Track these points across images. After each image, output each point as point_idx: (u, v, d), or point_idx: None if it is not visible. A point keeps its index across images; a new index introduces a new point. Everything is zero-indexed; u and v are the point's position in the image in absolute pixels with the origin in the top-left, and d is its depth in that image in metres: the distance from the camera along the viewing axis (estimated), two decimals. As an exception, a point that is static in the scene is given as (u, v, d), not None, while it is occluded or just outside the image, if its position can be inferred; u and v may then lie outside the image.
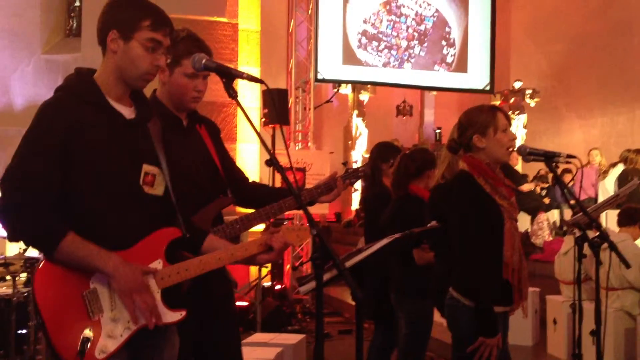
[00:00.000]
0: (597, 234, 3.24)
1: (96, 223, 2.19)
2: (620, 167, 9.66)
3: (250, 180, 3.23)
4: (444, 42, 13.02)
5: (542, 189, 11.67)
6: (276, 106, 9.38)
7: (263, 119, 9.77)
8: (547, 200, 10.69)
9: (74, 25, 11.30)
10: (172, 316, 2.25)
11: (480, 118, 3.15)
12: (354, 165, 15.12)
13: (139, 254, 2.22)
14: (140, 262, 2.20)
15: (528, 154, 3.23)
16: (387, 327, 4.77)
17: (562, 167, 3.52)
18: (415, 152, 4.66)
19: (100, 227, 2.19)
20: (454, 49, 13.06)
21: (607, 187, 9.66)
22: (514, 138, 3.20)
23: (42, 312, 2.07)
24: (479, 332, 2.95)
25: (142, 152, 2.32)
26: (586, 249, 3.33)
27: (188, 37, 2.83)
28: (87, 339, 2.07)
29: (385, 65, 12.57)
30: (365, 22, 12.41)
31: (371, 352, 4.80)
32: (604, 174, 9.97)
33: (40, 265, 2.12)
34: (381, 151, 4.98)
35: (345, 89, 16.12)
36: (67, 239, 2.10)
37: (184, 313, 2.27)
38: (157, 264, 2.25)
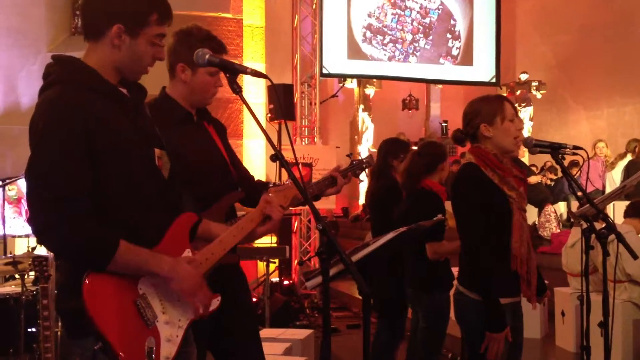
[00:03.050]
0: (604, 225, 3.23)
1: (126, 217, 2.06)
2: (628, 158, 9.64)
3: (256, 179, 3.25)
4: (449, 35, 12.98)
5: (551, 180, 11.64)
6: (281, 102, 9.37)
7: (268, 115, 9.78)
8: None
9: (79, 23, 11.34)
10: (213, 304, 2.22)
11: (487, 107, 3.14)
12: (359, 158, 15.11)
13: (170, 247, 2.13)
14: (174, 256, 2.12)
15: (534, 145, 3.22)
16: (393, 321, 4.77)
17: (569, 159, 3.50)
18: (424, 147, 4.63)
19: (129, 221, 2.06)
20: (459, 41, 13.02)
21: (615, 179, 9.63)
22: (521, 127, 3.18)
23: (102, 329, 1.91)
24: (486, 326, 2.95)
25: (150, 134, 2.23)
26: (593, 241, 3.32)
27: (208, 37, 2.86)
28: (151, 349, 1.99)
29: (390, 59, 12.54)
30: (369, 15, 12.37)
31: (376, 346, 4.81)
32: (610, 165, 9.94)
33: (86, 280, 1.93)
34: (390, 147, 4.98)
35: (351, 84, 16.11)
36: (120, 248, 1.96)
37: (219, 297, 2.23)
38: (187, 254, 2.18)
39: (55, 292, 2.21)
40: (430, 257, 4.23)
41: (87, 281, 1.93)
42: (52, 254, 5.41)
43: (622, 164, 9.57)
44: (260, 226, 2.38)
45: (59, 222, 1.91)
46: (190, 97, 2.90)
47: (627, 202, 6.42)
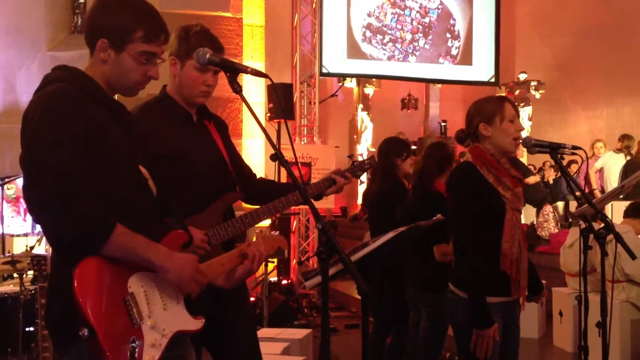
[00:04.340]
0: (602, 225, 3.24)
1: (124, 223, 2.01)
2: (613, 156, 9.67)
3: (258, 177, 3.24)
4: (448, 35, 12.99)
5: (553, 180, 11.64)
6: (281, 101, 9.37)
7: (268, 114, 9.77)
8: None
9: (79, 22, 11.33)
10: (196, 324, 2.21)
11: (487, 107, 3.16)
12: (360, 159, 15.14)
13: None
14: None
15: (533, 145, 3.23)
16: (402, 323, 4.75)
17: (568, 158, 3.51)
18: (435, 149, 4.60)
19: (124, 222, 2.01)
20: (459, 41, 13.03)
21: (610, 177, 9.64)
22: (521, 129, 3.19)
23: (91, 322, 1.89)
24: (472, 324, 2.96)
25: (137, 150, 2.23)
26: (591, 241, 3.32)
27: (202, 31, 2.85)
28: (134, 349, 1.97)
29: (389, 58, 12.55)
30: (369, 15, 12.38)
31: (381, 346, 4.80)
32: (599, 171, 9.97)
33: (76, 272, 1.91)
34: (393, 146, 4.97)
35: (350, 83, 16.10)
36: (118, 229, 1.94)
37: (203, 320, 2.22)
38: None
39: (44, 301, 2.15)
40: (438, 260, 4.23)
41: (77, 272, 1.91)
42: (49, 253, 5.40)
43: (613, 160, 9.60)
44: (239, 267, 2.37)
45: (58, 197, 1.89)
46: (180, 92, 2.89)
47: (625, 202, 6.43)
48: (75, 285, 1.89)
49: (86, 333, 1.90)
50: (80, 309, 1.89)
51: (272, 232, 2.76)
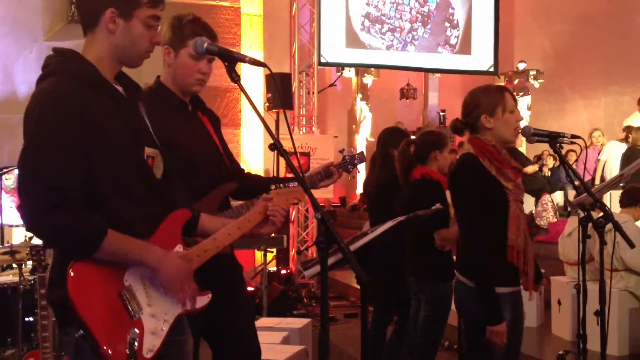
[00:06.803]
0: (601, 214, 3.24)
1: (117, 212, 2.06)
2: (615, 144, 9.67)
3: (246, 171, 3.25)
4: (447, 24, 12.95)
5: (549, 169, 11.64)
6: (280, 90, 9.36)
7: (267, 104, 9.76)
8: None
9: (76, 12, 11.30)
10: (202, 300, 2.22)
11: (488, 97, 3.13)
12: (353, 151, 15.15)
13: (161, 242, 2.13)
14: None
15: (532, 134, 3.22)
16: (405, 311, 4.75)
17: (566, 147, 3.51)
18: (418, 136, 4.65)
19: (122, 216, 2.07)
20: (458, 30, 12.99)
21: (612, 167, 9.64)
22: (520, 119, 3.18)
23: (85, 320, 1.94)
24: (485, 320, 2.95)
25: (142, 134, 2.23)
26: (590, 230, 3.33)
27: (194, 20, 2.85)
28: (133, 340, 2.00)
29: (388, 47, 12.51)
30: (368, 4, 12.33)
31: (381, 335, 4.81)
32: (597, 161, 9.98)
33: (71, 270, 1.96)
34: (390, 136, 4.97)
35: (349, 73, 16.07)
36: (108, 236, 1.98)
37: (210, 295, 2.24)
38: (178, 249, 2.18)
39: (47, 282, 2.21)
40: (438, 245, 4.25)
41: (71, 270, 1.96)
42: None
43: (612, 150, 9.60)
44: (260, 228, 2.37)
45: (47, 210, 1.93)
46: (175, 82, 2.89)
47: (624, 191, 6.41)
48: (70, 288, 1.94)
49: (82, 333, 1.95)
50: (75, 311, 1.93)
51: (288, 185, 2.73)
